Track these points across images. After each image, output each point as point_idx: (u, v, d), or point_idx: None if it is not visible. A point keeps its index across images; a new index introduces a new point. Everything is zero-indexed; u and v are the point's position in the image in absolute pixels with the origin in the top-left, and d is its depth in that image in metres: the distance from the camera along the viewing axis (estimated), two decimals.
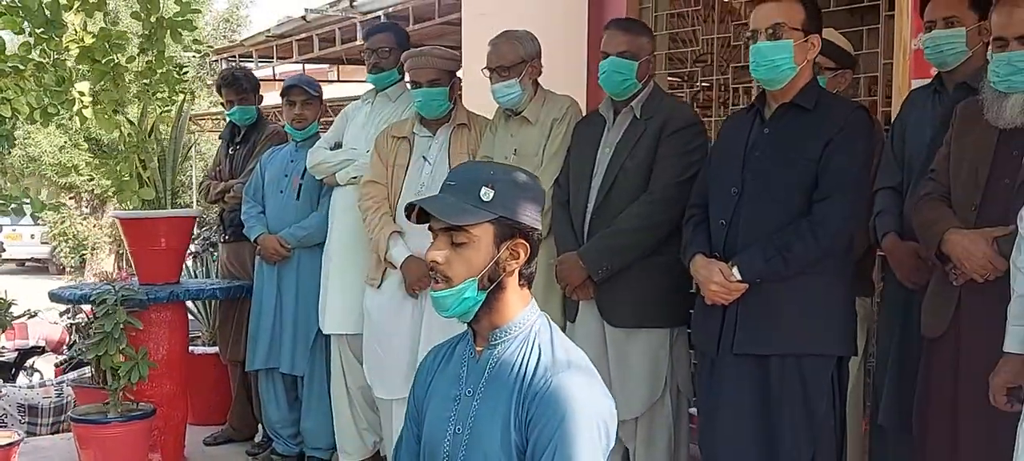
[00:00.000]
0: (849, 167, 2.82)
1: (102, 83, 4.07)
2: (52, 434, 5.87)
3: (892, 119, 3.54)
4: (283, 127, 4.87)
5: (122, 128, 4.35)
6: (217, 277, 5.50)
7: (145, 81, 4.30)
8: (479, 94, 3.94)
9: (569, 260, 3.38)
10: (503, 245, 1.94)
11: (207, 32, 18.98)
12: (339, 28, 8.29)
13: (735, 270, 2.84)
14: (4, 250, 4.07)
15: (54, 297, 4.59)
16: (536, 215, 1.99)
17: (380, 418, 4.19)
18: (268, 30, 9.18)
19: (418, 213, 1.98)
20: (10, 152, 4.03)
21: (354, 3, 7.74)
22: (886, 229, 3.13)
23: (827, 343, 2.87)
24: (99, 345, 4.14)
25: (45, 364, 8.12)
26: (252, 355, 4.59)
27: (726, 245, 2.93)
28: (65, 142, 18.32)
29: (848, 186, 2.82)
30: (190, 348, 5.01)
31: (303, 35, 8.82)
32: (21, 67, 3.85)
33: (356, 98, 4.67)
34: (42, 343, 8.13)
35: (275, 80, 9.47)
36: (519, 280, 1.99)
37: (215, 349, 5.31)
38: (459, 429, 1.97)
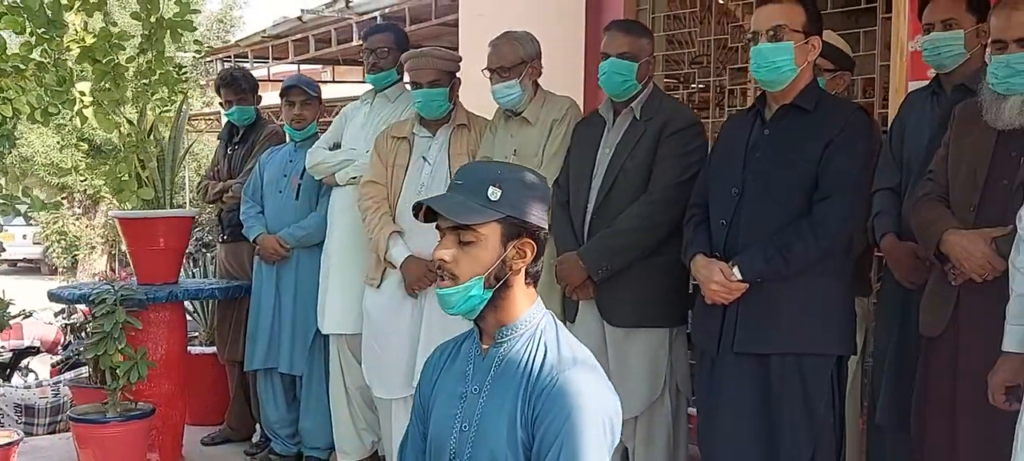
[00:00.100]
0: (849, 168, 2.84)
1: (103, 83, 4.07)
2: (49, 434, 5.87)
3: (889, 121, 3.57)
4: (281, 127, 4.88)
5: (121, 128, 4.36)
6: (214, 277, 5.51)
7: (144, 81, 4.31)
8: (476, 95, 3.96)
9: (569, 260, 3.40)
10: (510, 244, 1.96)
11: (200, 33, 18.98)
12: (335, 29, 8.30)
13: (736, 270, 2.86)
14: (4, 249, 4.05)
15: (53, 297, 4.59)
16: (543, 214, 2.01)
17: (379, 418, 4.20)
18: (264, 31, 9.18)
19: (426, 212, 1.99)
20: (10, 152, 4.03)
21: (350, 4, 7.76)
22: (884, 229, 3.16)
23: (827, 342, 2.89)
24: (98, 345, 4.14)
25: (40, 364, 8.12)
26: (251, 355, 4.60)
27: (727, 245, 2.95)
28: (58, 142, 18.28)
29: (848, 187, 2.84)
30: (188, 348, 5.01)
31: (299, 36, 8.82)
32: (22, 67, 3.86)
33: (351, 99, 4.69)
34: (37, 343, 8.13)
35: (270, 80, 9.46)
36: (525, 279, 2.01)
37: (213, 349, 5.32)
38: (465, 426, 1.99)
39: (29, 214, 4.16)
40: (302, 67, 9.44)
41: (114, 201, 4.74)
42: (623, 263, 3.32)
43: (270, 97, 5.97)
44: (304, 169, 4.38)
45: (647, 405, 3.41)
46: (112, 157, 4.42)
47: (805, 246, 2.81)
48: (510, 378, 1.95)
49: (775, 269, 2.83)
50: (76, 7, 4.01)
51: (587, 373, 1.92)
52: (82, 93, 4.09)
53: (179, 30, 4.28)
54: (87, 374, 5.34)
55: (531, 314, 2.01)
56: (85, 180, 18.28)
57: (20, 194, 3.97)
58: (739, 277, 2.86)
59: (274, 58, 9.58)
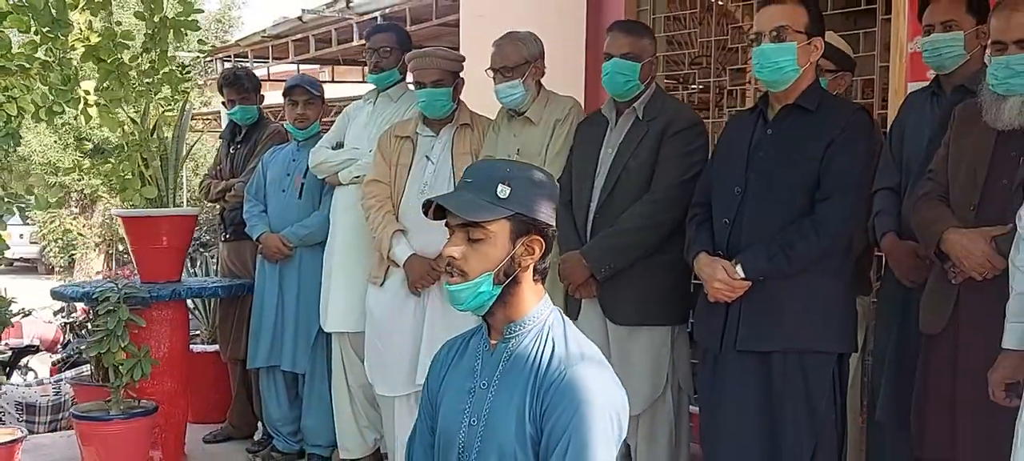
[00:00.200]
0: (850, 168, 2.87)
1: (107, 82, 4.09)
2: (50, 432, 5.88)
3: (888, 121, 3.60)
4: (284, 126, 4.90)
5: (125, 127, 4.38)
6: (216, 276, 5.52)
7: (148, 80, 4.33)
8: (477, 94, 3.98)
9: (572, 259, 3.42)
10: (519, 241, 1.99)
11: (200, 33, 18.89)
12: (335, 29, 8.30)
13: (739, 268, 2.89)
14: (8, 247, 4.07)
15: (57, 295, 4.61)
16: (551, 212, 2.04)
17: (381, 415, 4.23)
18: (264, 30, 9.17)
19: (435, 209, 2.02)
20: (15, 150, 4.04)
21: (350, 4, 7.75)
22: (885, 229, 3.19)
23: (828, 340, 2.92)
24: (101, 342, 4.15)
25: (39, 363, 8.12)
26: (254, 353, 4.62)
27: (729, 243, 2.98)
28: (55, 141, 18.26)
29: (849, 187, 2.87)
30: (190, 346, 5.03)
31: (299, 36, 8.82)
32: (27, 65, 3.88)
33: (350, 99, 4.71)
34: (36, 342, 8.14)
35: (270, 80, 9.47)
36: (533, 275, 2.04)
37: (214, 347, 5.34)
38: (474, 421, 2.01)
39: (27, 213, 4.17)
40: (302, 67, 9.44)
41: (111, 200, 4.77)
42: (626, 262, 3.35)
43: (270, 97, 5.98)
44: (307, 168, 4.41)
45: (649, 403, 3.43)
46: (115, 156, 4.44)
47: (807, 245, 2.84)
48: (519, 373, 1.98)
49: (778, 267, 2.86)
50: (81, 6, 4.03)
51: (595, 368, 1.95)
52: (86, 92, 4.11)
53: (183, 29, 4.29)
54: (88, 372, 5.36)
55: (539, 310, 2.04)
56: (82, 179, 18.24)
57: (24, 192, 3.98)
58: (742, 275, 2.89)
59: (274, 58, 9.57)
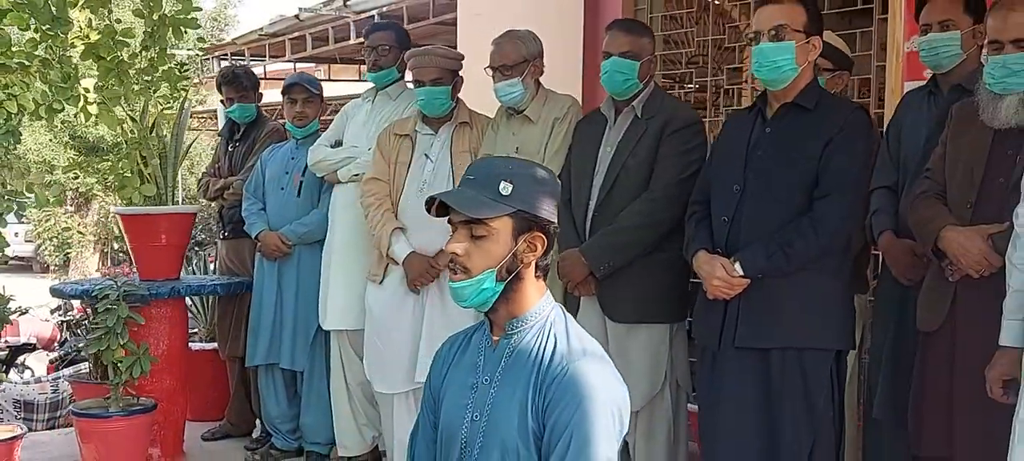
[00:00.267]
0: (849, 167, 2.88)
1: (107, 80, 4.10)
2: (48, 430, 5.89)
3: (885, 121, 3.62)
4: (282, 124, 4.91)
5: (124, 125, 4.38)
6: (214, 273, 5.53)
7: (147, 78, 4.33)
8: (474, 93, 4.00)
9: (571, 256, 3.44)
10: (521, 238, 2.01)
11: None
12: (332, 27, 8.30)
13: (737, 265, 2.91)
14: (8, 245, 4.08)
15: (56, 292, 4.61)
16: (553, 209, 2.06)
17: (379, 413, 4.24)
18: (261, 29, 9.18)
19: (437, 206, 2.03)
20: (15, 148, 4.05)
21: (348, 2, 7.76)
22: (882, 227, 3.21)
23: (827, 338, 2.94)
24: (101, 340, 4.17)
25: (35, 361, 8.13)
26: (252, 351, 4.63)
27: (728, 241, 2.99)
28: (50, 139, 18.24)
29: (848, 185, 2.89)
30: (188, 344, 5.03)
31: (296, 34, 8.82)
32: (27, 63, 3.88)
33: (347, 97, 4.72)
34: (33, 340, 8.14)
35: (266, 79, 9.46)
36: (535, 272, 2.06)
37: (213, 345, 5.34)
38: (477, 416, 2.03)
39: (22, 211, 4.17)
40: (298, 65, 9.44)
41: (106, 199, 4.78)
42: (625, 260, 3.36)
43: (268, 95, 5.98)
44: (306, 166, 4.41)
45: (648, 400, 3.44)
46: (114, 154, 4.44)
47: (806, 243, 2.85)
48: (521, 368, 2.00)
49: (776, 265, 2.87)
50: (80, 4, 4.04)
51: (596, 363, 1.97)
52: (86, 90, 4.11)
53: (182, 27, 4.30)
54: (87, 370, 5.36)
55: (541, 306, 2.06)
56: (77, 177, 18.22)
57: (24, 190, 3.99)
58: (741, 273, 2.90)
59: (271, 56, 9.58)
